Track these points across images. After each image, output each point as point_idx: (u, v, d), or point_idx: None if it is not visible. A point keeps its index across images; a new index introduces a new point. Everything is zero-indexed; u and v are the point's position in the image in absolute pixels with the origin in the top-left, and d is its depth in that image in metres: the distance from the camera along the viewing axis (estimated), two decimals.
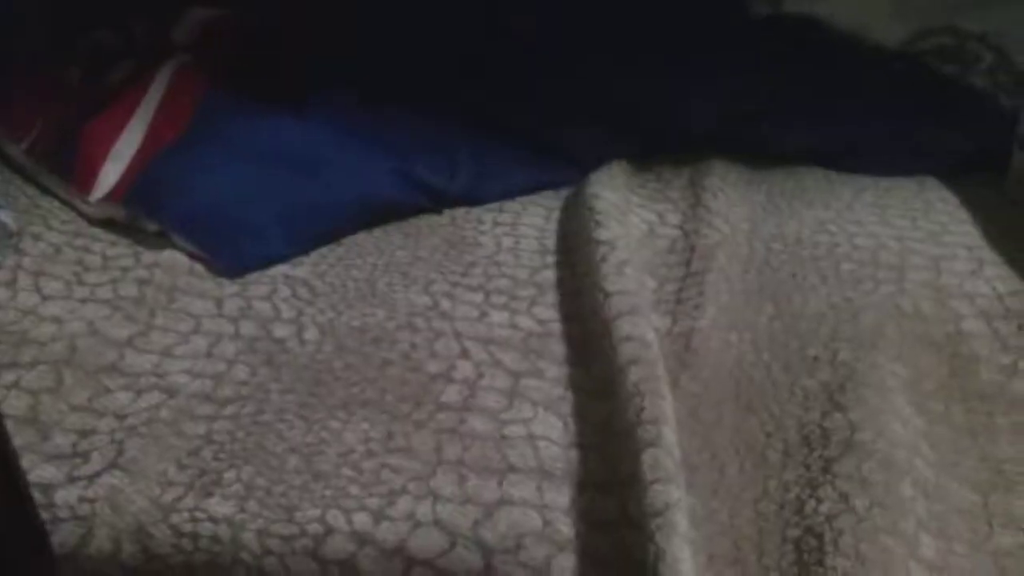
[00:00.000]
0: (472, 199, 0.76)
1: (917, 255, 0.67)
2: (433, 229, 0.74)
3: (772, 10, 0.80)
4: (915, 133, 0.80)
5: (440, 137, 0.77)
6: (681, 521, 0.43)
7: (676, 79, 0.82)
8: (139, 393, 0.55)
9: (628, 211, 0.72)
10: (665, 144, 0.82)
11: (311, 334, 0.61)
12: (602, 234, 0.65)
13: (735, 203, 0.74)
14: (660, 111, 0.82)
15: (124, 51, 0.88)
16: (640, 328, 0.55)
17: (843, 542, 0.43)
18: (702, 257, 0.67)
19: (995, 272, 0.65)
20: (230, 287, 0.66)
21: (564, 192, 0.78)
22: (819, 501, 0.46)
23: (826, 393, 0.53)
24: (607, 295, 0.59)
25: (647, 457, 0.46)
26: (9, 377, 0.56)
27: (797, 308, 0.62)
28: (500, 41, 0.85)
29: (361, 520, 0.47)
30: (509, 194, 0.77)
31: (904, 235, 0.70)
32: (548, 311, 0.63)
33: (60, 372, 0.57)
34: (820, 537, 0.44)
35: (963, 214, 0.73)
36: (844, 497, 0.45)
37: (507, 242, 0.71)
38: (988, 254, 0.68)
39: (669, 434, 0.47)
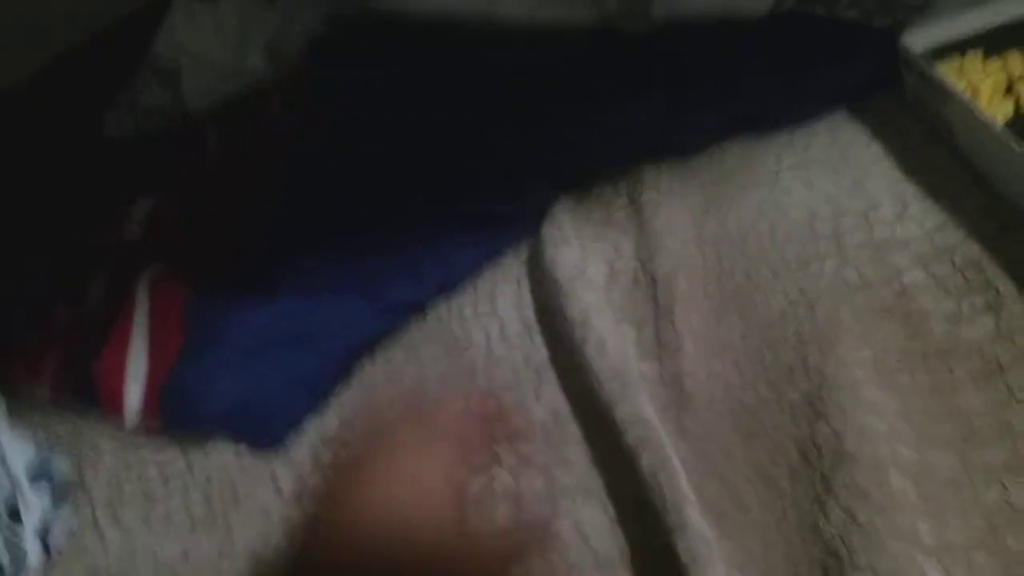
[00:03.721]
0: (444, 292, 0.83)
1: (848, 215, 0.73)
2: (427, 336, 0.81)
3: (644, 28, 0.84)
4: (808, 78, 0.84)
5: (400, 250, 0.83)
6: None
7: (590, 111, 0.86)
8: None
9: (587, 261, 0.78)
10: (601, 160, 0.87)
11: None
12: (573, 309, 0.72)
13: (676, 212, 0.79)
14: (584, 141, 0.87)
15: (81, 262, 0.94)
16: (638, 408, 0.63)
17: (857, 559, 0.51)
18: (664, 287, 0.73)
19: (919, 208, 0.71)
20: (280, 465, 0.75)
21: (523, 252, 0.84)
22: (828, 519, 0.54)
23: (808, 404, 0.61)
24: (599, 380, 0.66)
25: (679, 544, 0.54)
26: None
27: (761, 314, 0.69)
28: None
29: None
30: (475, 272, 0.83)
31: (831, 194, 0.75)
32: (554, 394, 0.71)
33: None
34: (836, 555, 0.52)
35: (877, 148, 0.78)
36: (847, 511, 0.54)
37: (494, 331, 0.78)
38: (909, 188, 0.73)
39: (692, 513, 0.56)
